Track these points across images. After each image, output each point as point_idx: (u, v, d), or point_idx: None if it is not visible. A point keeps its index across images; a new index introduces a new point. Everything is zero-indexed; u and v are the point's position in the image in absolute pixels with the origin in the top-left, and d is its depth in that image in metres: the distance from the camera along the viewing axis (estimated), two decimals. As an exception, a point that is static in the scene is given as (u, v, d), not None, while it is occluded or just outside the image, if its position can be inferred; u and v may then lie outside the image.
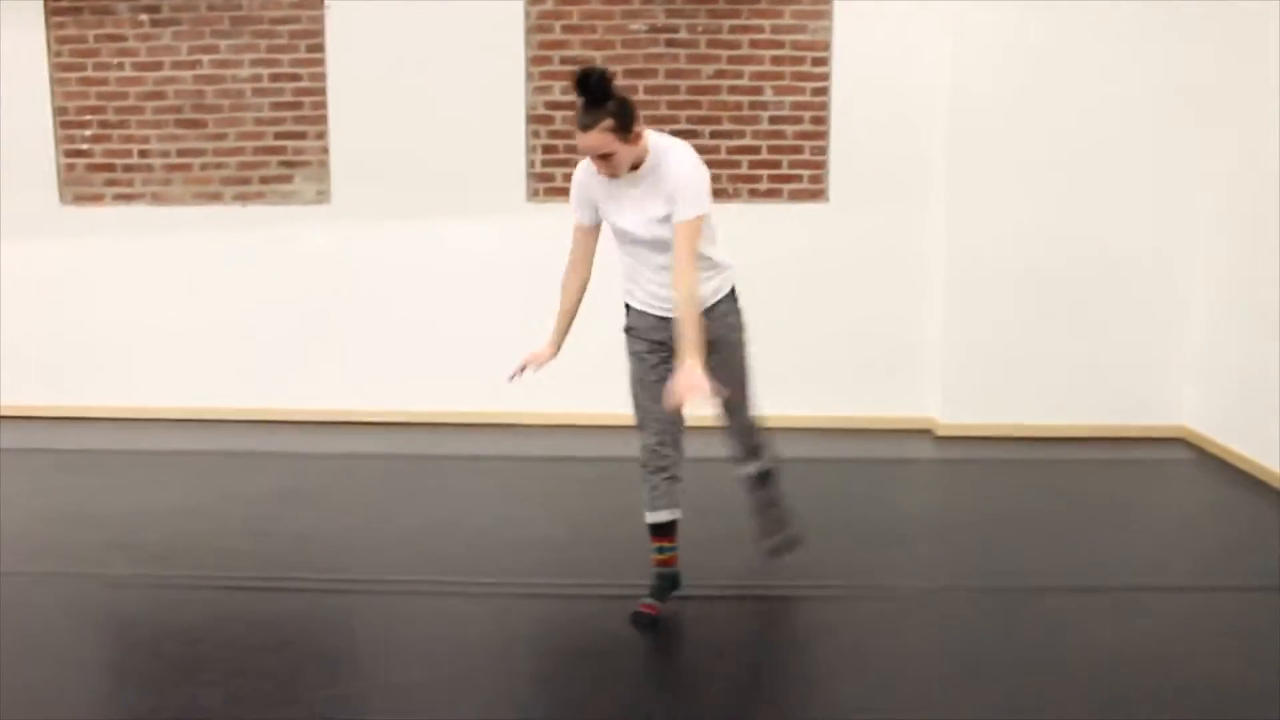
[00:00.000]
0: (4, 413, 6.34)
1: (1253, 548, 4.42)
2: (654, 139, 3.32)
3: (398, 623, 3.60)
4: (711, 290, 3.44)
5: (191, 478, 5.24)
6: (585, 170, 3.40)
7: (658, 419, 3.46)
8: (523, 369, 3.52)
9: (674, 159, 3.29)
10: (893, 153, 5.87)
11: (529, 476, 5.26)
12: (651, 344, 3.48)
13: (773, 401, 5.92)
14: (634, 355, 3.52)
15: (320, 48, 5.99)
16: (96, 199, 6.24)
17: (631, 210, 3.34)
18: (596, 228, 3.48)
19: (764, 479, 3.81)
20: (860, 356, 6.04)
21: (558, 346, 3.55)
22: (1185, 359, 5.83)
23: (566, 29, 5.88)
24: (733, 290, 3.54)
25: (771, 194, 5.97)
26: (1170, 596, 3.85)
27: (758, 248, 5.92)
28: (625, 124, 3.19)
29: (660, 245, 3.34)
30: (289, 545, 4.31)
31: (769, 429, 3.76)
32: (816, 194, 5.96)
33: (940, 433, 5.97)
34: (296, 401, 6.19)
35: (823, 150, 5.93)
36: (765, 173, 5.95)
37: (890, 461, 5.61)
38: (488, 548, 4.23)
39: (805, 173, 5.94)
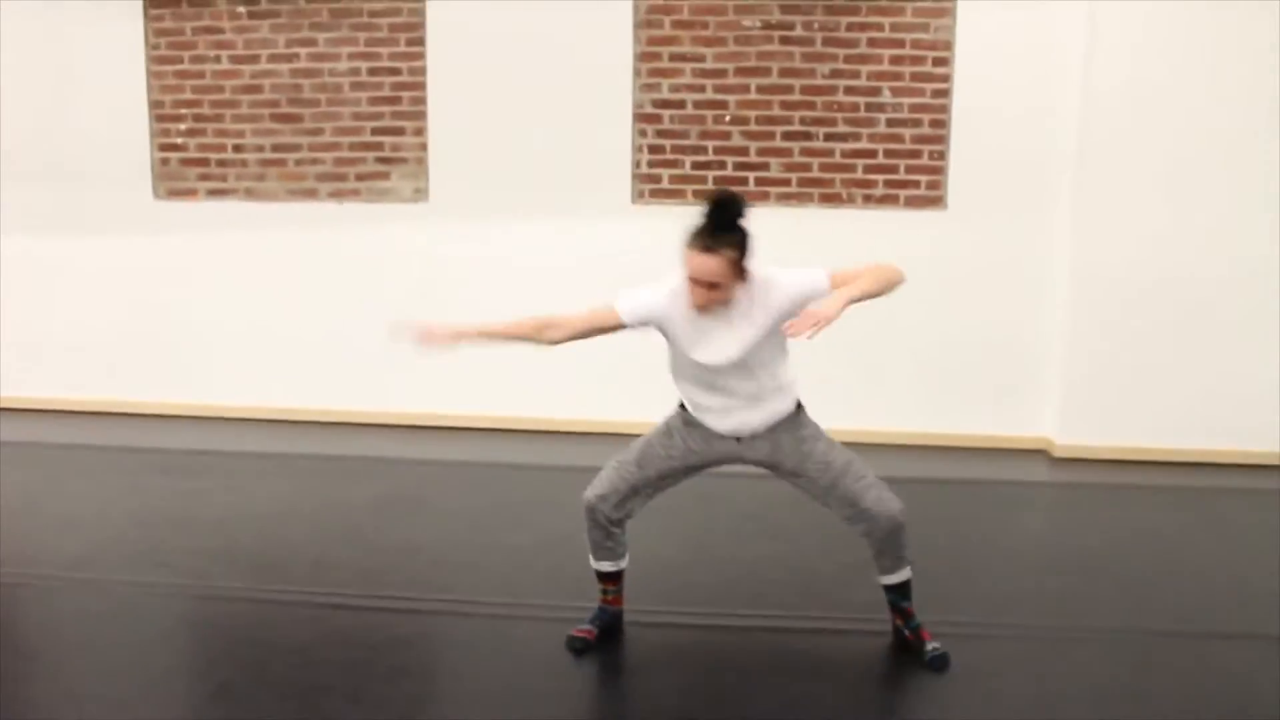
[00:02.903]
0: (100, 408, 6.26)
1: None
2: (757, 275, 3.07)
3: (519, 651, 3.39)
4: (772, 414, 3.20)
5: (288, 482, 5.09)
6: (670, 296, 3.08)
7: (640, 491, 3.32)
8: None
9: (782, 282, 3.05)
10: (1016, 158, 5.57)
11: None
12: (691, 451, 3.27)
13: (881, 416, 5.78)
14: (670, 436, 3.30)
15: (420, 41, 5.82)
16: (190, 194, 6.14)
17: (720, 342, 3.09)
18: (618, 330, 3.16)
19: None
20: (974, 372, 5.75)
21: (469, 339, 3.19)
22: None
23: (676, 24, 5.66)
24: (797, 405, 3.27)
25: (887, 200, 5.70)
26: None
27: (871, 256, 5.67)
28: (744, 259, 2.99)
29: (749, 371, 3.11)
30: (392, 559, 4.14)
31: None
32: (934, 201, 5.68)
33: (1057, 454, 5.67)
34: (393, 404, 6.04)
35: (942, 155, 5.65)
36: (881, 178, 5.68)
37: (1006, 484, 5.32)
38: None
39: (923, 178, 5.66)
